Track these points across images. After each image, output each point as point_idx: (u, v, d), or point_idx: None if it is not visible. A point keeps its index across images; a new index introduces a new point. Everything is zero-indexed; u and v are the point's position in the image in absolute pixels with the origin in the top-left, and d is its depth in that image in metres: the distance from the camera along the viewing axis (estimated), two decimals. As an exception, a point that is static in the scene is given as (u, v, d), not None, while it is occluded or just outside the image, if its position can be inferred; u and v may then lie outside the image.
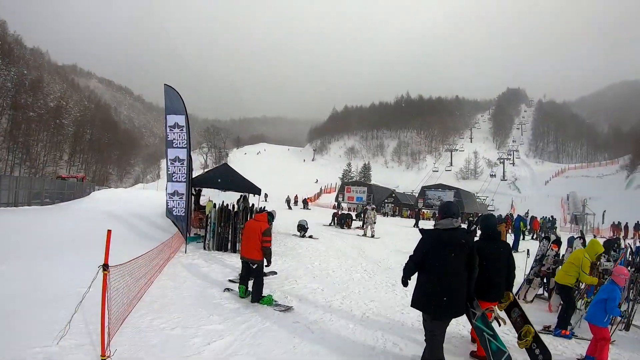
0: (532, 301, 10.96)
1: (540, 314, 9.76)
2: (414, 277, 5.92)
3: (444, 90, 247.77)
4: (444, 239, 5.58)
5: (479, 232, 7.83)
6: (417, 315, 8.00)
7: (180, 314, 7.69)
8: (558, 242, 11.30)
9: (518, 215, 30.46)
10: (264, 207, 11.30)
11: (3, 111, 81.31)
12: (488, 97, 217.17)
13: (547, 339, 7.78)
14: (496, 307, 6.56)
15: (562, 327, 8.42)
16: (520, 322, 6.67)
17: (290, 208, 46.46)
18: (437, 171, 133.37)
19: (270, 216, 9.99)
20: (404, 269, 5.91)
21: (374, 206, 29.23)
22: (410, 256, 5.82)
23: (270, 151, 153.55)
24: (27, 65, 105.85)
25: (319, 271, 12.70)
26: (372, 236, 23.31)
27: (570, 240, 11.83)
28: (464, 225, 8.72)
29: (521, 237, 24.12)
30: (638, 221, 43.73)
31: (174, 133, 14.55)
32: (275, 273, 11.56)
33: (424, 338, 5.83)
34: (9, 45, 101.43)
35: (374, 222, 23.98)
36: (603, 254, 10.05)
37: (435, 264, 5.51)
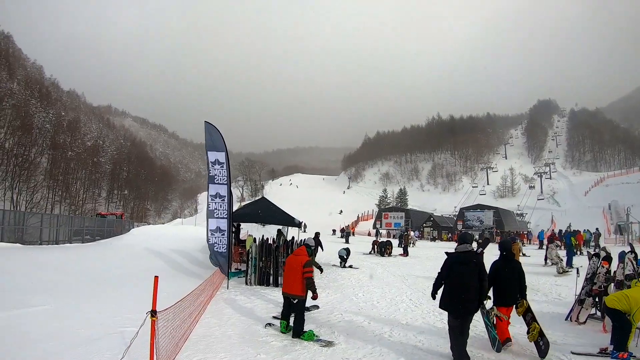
0: (585, 322, 10.42)
1: (594, 335, 9.44)
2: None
3: (474, 109, 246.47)
4: (460, 259, 7.59)
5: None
6: (470, 347, 7.84)
7: (226, 353, 7.57)
8: (609, 258, 10.85)
9: (568, 230, 30.00)
10: (304, 240, 11.18)
11: (43, 151, 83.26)
12: (519, 112, 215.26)
13: None
14: (495, 307, 8.33)
15: (620, 350, 7.85)
16: (530, 321, 8.40)
17: (345, 240, 45.03)
18: (478, 186, 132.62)
19: (308, 247, 9.86)
20: (433, 284, 7.87)
21: (412, 232, 28.98)
22: (438, 273, 7.80)
23: (305, 181, 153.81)
24: (64, 107, 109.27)
25: (363, 302, 12.49)
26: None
27: (622, 255, 11.27)
28: (475, 244, 9.32)
29: (575, 252, 24.01)
30: None
31: (215, 169, 14.71)
32: (317, 307, 11.39)
33: (449, 334, 7.67)
34: (46, 88, 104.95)
35: (414, 245, 23.77)
36: None
37: (454, 277, 7.48)
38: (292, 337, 8.72)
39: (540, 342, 8.09)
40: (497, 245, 9.53)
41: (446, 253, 7.96)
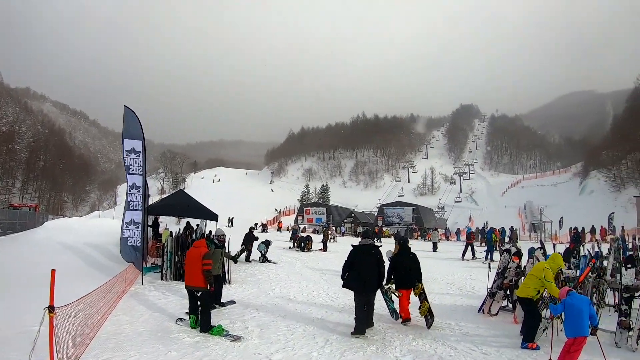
0: (497, 314, 11.10)
1: (505, 326, 10.06)
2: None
3: (399, 109, 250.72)
4: (363, 250, 9.59)
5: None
6: (382, 344, 8.26)
7: (136, 351, 7.39)
8: (519, 254, 11.50)
9: (490, 228, 31.37)
10: (214, 232, 11.16)
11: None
12: (442, 114, 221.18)
13: (515, 352, 8.11)
14: (392, 285, 10.31)
15: (529, 340, 8.50)
16: (422, 299, 10.14)
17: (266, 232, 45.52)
18: (401, 180, 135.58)
19: (209, 239, 10.75)
20: (342, 269, 9.67)
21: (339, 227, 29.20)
22: (345, 261, 9.63)
23: (228, 175, 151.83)
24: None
25: (279, 297, 12.49)
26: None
27: (531, 251, 11.98)
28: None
29: (495, 248, 25.09)
30: (593, 225, 45.09)
31: (130, 159, 14.08)
32: (234, 302, 11.30)
33: (355, 309, 9.22)
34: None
35: (334, 240, 23.95)
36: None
37: (358, 264, 9.36)
38: (200, 331, 8.65)
39: (429, 316, 9.97)
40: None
41: (352, 245, 9.91)
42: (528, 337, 8.57)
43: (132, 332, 8.52)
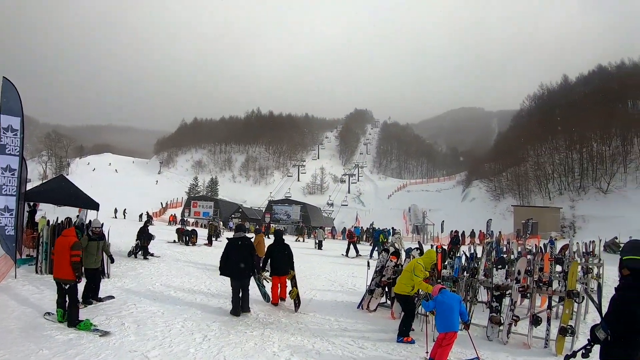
0: (375, 310, 11.63)
1: (383, 322, 10.55)
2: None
3: (294, 108, 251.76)
4: (236, 242, 10.82)
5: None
6: (260, 340, 8.29)
7: (6, 350, 7.05)
8: (397, 253, 12.07)
9: (378, 228, 32.64)
10: (97, 229, 10.78)
11: None
12: (336, 117, 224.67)
13: (391, 345, 8.62)
14: (266, 273, 12.14)
15: (404, 335, 9.00)
16: (293, 285, 11.64)
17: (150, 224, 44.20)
18: (293, 176, 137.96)
19: (79, 229, 9.84)
20: (220, 259, 10.81)
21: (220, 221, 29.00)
22: (223, 251, 10.78)
23: (115, 162, 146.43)
24: None
25: (159, 292, 12.23)
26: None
27: (408, 252, 12.58)
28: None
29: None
30: (473, 229, 49.10)
31: (7, 137, 13.07)
32: (112, 297, 10.97)
33: (231, 293, 10.45)
34: None
35: (219, 235, 23.84)
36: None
37: (233, 254, 10.58)
38: (68, 326, 8.36)
39: (297, 301, 11.38)
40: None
41: (227, 238, 11.33)
42: (403, 331, 9.03)
43: (2, 329, 8.11)
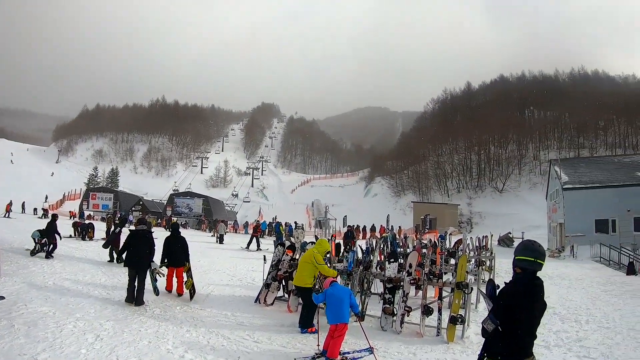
0: (272, 304, 11.79)
1: (280, 315, 10.71)
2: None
3: (200, 99, 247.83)
4: (138, 235, 11.45)
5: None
6: (155, 337, 8.25)
7: None
8: (292, 247, 12.46)
9: (278, 222, 33.05)
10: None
11: None
12: (243, 109, 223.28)
13: (286, 339, 8.79)
14: (163, 268, 12.15)
15: (308, 326, 9.32)
16: (188, 276, 12.19)
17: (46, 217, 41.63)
18: (197, 166, 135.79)
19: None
20: (120, 251, 11.98)
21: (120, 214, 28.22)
22: (122, 245, 11.81)
23: (6, 149, 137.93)
24: None
25: (52, 291, 11.59)
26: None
27: (303, 245, 12.84)
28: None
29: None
30: (374, 224, 50.92)
31: None
32: (3, 298, 10.41)
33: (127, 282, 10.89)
34: None
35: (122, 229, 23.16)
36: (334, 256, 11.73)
37: (133, 246, 11.24)
38: None
39: (192, 291, 12.02)
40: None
41: (129, 230, 12.49)
42: (306, 322, 9.34)
43: None
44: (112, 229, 18.49)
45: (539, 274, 4.38)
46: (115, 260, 16.07)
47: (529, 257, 4.34)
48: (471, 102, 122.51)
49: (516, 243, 29.54)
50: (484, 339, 4.44)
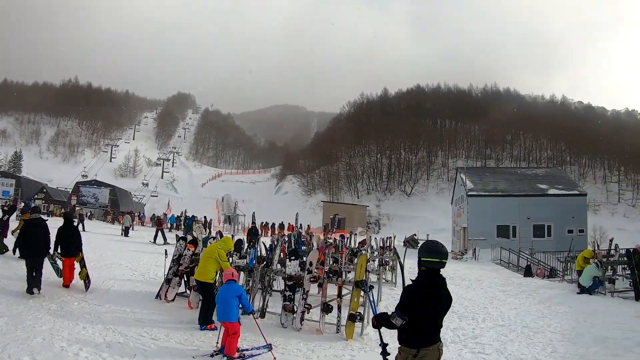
0: (173, 300, 11.59)
1: (180, 312, 10.56)
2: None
3: (114, 83, 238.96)
4: (33, 223, 11.42)
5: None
6: (49, 335, 8.09)
7: None
8: (194, 242, 12.40)
9: (192, 215, 32.98)
10: None
11: None
12: (158, 98, 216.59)
13: (184, 336, 8.72)
14: (62, 257, 12.02)
15: (207, 323, 9.24)
16: (82, 266, 11.99)
17: None
18: (108, 152, 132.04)
19: None
20: (16, 241, 12.29)
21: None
22: (19, 233, 11.97)
23: None
24: None
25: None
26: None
27: (205, 240, 12.93)
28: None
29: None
30: (282, 222, 52.12)
31: None
32: None
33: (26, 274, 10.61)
34: None
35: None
36: (235, 253, 11.78)
37: (28, 236, 11.09)
38: None
39: (86, 281, 11.82)
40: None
41: (23, 220, 12.88)
42: (205, 319, 9.26)
43: None
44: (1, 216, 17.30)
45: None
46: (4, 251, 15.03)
47: (435, 259, 4.71)
48: (386, 107, 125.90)
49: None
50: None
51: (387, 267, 18.89)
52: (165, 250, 13.10)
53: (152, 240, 27.10)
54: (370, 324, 5.35)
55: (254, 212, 49.33)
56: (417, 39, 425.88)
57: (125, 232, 31.81)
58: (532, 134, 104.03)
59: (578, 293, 17.47)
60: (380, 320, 4.80)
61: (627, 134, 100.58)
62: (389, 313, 4.76)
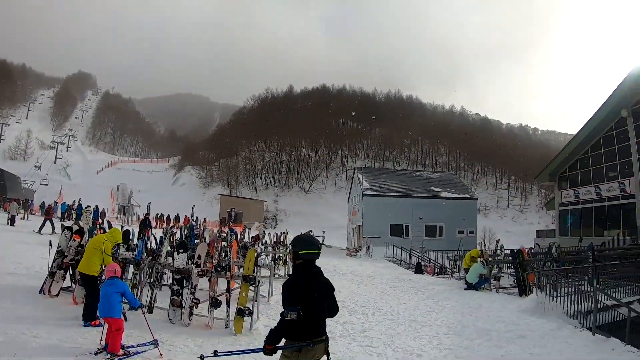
0: (57, 294, 10.92)
1: (65, 308, 10.04)
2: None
3: (10, 54, 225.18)
4: None
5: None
6: None
7: None
8: (80, 232, 11.65)
9: (79, 204, 32.32)
10: None
11: None
12: (57, 75, 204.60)
13: (72, 329, 8.51)
14: None
15: (91, 319, 8.82)
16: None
17: None
18: (0, 130, 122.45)
19: None
20: None
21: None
22: None
23: None
24: None
25: None
26: None
27: (91, 231, 12.81)
28: None
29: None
30: (178, 214, 52.65)
31: None
32: None
33: None
34: None
35: None
36: (122, 244, 11.33)
37: None
38: None
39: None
40: None
41: None
42: (89, 315, 8.83)
43: None
44: None
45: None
46: None
47: (313, 250, 5.03)
48: (291, 104, 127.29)
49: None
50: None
51: (280, 262, 19.50)
52: (50, 241, 12.26)
53: (38, 230, 26.07)
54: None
55: (149, 203, 48.58)
56: (330, 42, 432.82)
57: (12, 221, 30.23)
58: (430, 139, 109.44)
59: (465, 289, 18.71)
60: (274, 335, 4.80)
61: (518, 146, 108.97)
62: (272, 328, 4.89)
